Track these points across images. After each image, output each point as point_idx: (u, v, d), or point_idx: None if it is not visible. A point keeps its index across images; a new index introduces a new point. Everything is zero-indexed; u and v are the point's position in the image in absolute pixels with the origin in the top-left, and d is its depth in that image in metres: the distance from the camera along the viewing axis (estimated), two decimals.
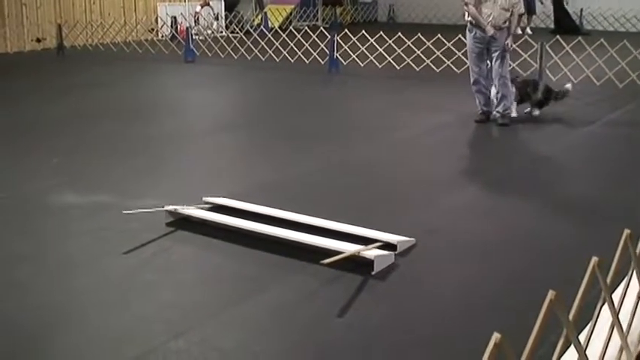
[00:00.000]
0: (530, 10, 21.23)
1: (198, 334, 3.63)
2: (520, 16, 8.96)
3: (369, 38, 14.29)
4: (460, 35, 12.71)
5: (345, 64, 14.20)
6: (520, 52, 12.07)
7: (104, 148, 7.83)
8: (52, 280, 4.33)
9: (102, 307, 3.97)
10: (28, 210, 5.72)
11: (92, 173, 6.79)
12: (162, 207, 5.34)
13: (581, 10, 23.51)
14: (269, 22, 21.92)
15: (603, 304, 2.36)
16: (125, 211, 5.30)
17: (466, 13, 9.01)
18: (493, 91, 9.11)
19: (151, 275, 4.40)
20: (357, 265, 4.42)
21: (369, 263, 4.38)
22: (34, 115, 9.83)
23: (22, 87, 12.61)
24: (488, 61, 9.19)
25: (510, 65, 9.38)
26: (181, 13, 21.14)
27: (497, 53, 8.89)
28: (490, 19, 8.76)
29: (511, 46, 8.94)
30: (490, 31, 8.77)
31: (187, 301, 4.05)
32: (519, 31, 19.68)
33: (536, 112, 9.41)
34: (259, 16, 22.91)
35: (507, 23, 8.83)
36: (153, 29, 20.59)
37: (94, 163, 7.16)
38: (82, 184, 6.41)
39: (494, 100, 9.12)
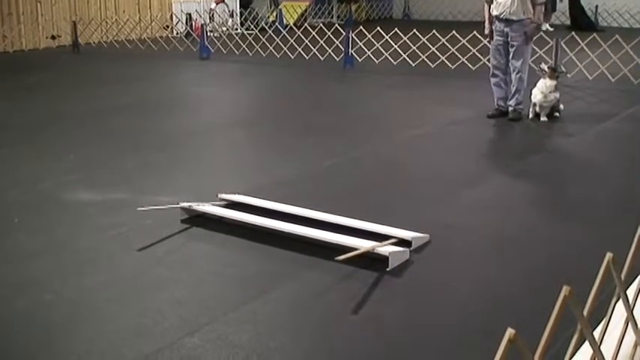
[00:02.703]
0: (551, 6, 21.08)
1: (213, 330, 3.64)
2: (541, 5, 8.84)
3: (384, 35, 14.26)
4: (475, 32, 12.72)
5: (360, 60, 14.19)
6: (536, 48, 11.99)
7: (120, 144, 7.86)
8: (66, 277, 4.35)
9: (116, 303, 3.99)
10: (43, 206, 5.76)
11: (107, 169, 6.82)
12: (177, 204, 5.36)
13: (597, 6, 23.38)
14: (284, 19, 21.92)
15: (618, 301, 2.35)
16: (140, 208, 5.33)
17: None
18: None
19: (166, 272, 4.42)
20: (372, 261, 4.43)
21: (383, 259, 4.38)
22: (50, 112, 9.88)
23: (38, 84, 12.68)
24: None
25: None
26: (196, 10, 21.19)
27: (514, 47, 8.86)
28: (503, 8, 8.72)
29: (531, 35, 8.85)
30: (486, 30, 9.07)
31: (202, 298, 4.06)
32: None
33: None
34: (274, 13, 22.91)
35: (527, 15, 8.74)
36: (168, 26, 20.65)
37: (109, 159, 7.20)
38: (98, 180, 6.45)
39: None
